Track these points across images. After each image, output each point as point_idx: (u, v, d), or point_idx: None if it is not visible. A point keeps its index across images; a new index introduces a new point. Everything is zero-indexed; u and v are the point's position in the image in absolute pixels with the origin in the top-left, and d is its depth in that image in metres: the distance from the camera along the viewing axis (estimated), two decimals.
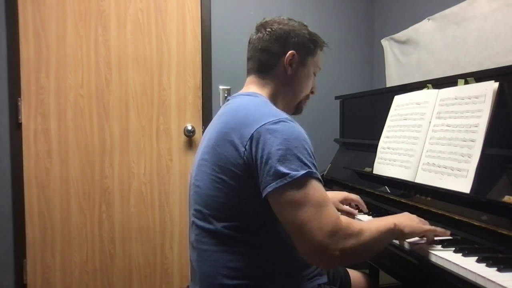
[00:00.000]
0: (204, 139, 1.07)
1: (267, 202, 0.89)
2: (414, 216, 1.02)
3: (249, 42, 1.15)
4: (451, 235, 1.07)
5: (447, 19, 1.91)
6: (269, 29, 1.09)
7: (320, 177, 0.90)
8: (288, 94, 1.11)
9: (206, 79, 2.36)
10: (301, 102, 1.17)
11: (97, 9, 2.20)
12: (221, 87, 2.40)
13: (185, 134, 2.33)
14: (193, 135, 2.34)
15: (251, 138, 0.89)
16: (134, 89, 2.27)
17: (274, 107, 0.99)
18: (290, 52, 1.07)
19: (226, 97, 2.41)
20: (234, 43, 2.42)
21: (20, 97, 2.11)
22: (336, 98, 2.15)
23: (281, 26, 1.09)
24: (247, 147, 0.90)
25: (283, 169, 0.85)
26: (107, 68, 2.23)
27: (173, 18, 2.30)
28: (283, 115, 0.94)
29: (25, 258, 2.13)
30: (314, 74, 1.17)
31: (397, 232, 0.95)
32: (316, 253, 0.84)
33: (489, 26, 1.66)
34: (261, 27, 1.11)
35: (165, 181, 2.32)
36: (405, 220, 0.99)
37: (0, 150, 2.08)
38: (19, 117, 2.11)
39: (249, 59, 1.14)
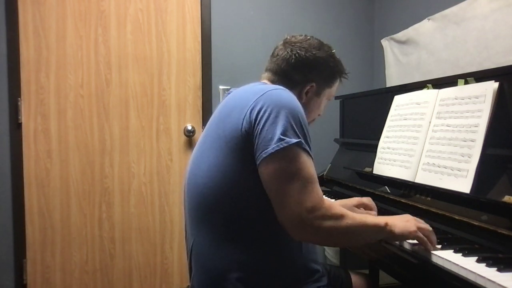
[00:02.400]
0: (202, 134, 1.07)
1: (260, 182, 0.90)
2: (412, 218, 1.00)
3: (272, 53, 1.14)
4: (450, 234, 1.07)
5: (447, 19, 1.91)
6: (296, 54, 1.08)
7: (310, 152, 0.92)
8: None
9: (206, 79, 2.36)
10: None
11: (97, 9, 2.20)
12: (221, 87, 2.40)
13: (185, 134, 2.33)
14: (193, 135, 2.34)
15: (252, 107, 0.92)
16: (134, 89, 2.27)
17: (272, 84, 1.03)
18: (310, 85, 1.10)
19: None
20: (234, 43, 2.42)
21: (20, 97, 2.11)
22: (336, 98, 2.15)
23: (308, 54, 1.09)
24: (246, 116, 0.92)
25: (279, 134, 0.88)
26: (107, 68, 2.23)
27: (173, 18, 2.30)
28: (280, 86, 0.98)
29: (25, 258, 2.14)
30: (328, 99, 1.20)
31: (387, 232, 0.95)
32: (293, 224, 0.88)
33: (489, 26, 1.66)
34: (289, 45, 1.11)
35: (165, 181, 2.32)
36: (400, 221, 0.97)
37: (0, 150, 2.08)
38: (19, 117, 2.11)
39: (267, 69, 1.14)
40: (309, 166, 0.90)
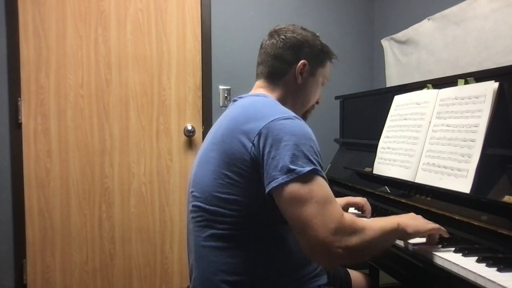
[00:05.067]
0: (208, 137, 1.07)
1: (270, 199, 0.89)
2: (418, 216, 1.02)
3: (261, 46, 1.15)
4: (450, 234, 1.07)
5: (447, 19, 1.91)
6: (283, 37, 1.10)
7: (325, 176, 0.91)
8: (296, 102, 1.13)
9: (206, 79, 2.36)
10: (307, 111, 1.19)
11: (97, 9, 2.20)
12: (221, 87, 2.40)
13: (185, 134, 2.33)
14: (193, 135, 2.34)
15: (259, 133, 0.90)
16: (134, 89, 2.27)
17: (282, 106, 1.00)
18: (302, 61, 1.09)
19: (226, 97, 2.41)
20: (234, 43, 2.42)
21: (20, 97, 2.11)
22: (336, 98, 2.15)
23: (295, 35, 1.10)
24: (255, 142, 0.90)
25: (290, 165, 0.85)
26: (107, 68, 2.23)
27: (173, 18, 2.30)
28: (292, 113, 0.96)
29: (25, 258, 2.13)
30: (322, 85, 1.19)
31: (401, 232, 0.94)
32: (319, 249, 0.83)
33: (489, 26, 1.66)
34: (275, 33, 1.12)
35: (165, 181, 2.32)
36: (409, 219, 0.98)
37: (0, 150, 2.08)
38: (19, 117, 2.11)
39: (259, 63, 1.14)
40: (325, 186, 0.88)
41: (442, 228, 1.01)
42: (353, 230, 0.85)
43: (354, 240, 0.84)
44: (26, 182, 2.13)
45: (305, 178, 0.86)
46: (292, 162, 0.86)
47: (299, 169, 0.85)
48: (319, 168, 0.89)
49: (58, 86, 2.16)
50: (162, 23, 2.29)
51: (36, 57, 2.13)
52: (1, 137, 2.08)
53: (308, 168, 0.86)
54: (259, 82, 1.13)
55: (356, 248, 0.84)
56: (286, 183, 0.85)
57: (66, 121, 2.18)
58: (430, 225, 0.99)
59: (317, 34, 1.16)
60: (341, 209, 0.88)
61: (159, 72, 2.30)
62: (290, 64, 1.09)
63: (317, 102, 1.20)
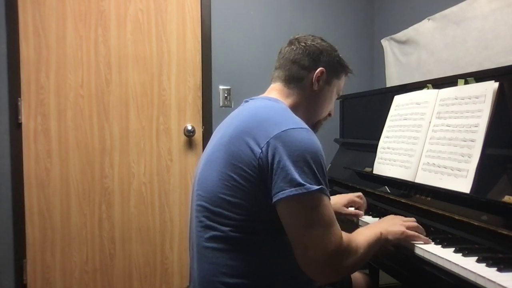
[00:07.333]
0: (216, 136, 1.07)
1: (274, 207, 0.89)
2: (397, 219, 1.07)
3: (279, 52, 1.17)
4: (450, 234, 1.07)
5: (447, 19, 1.91)
6: (303, 44, 1.12)
7: (329, 195, 0.92)
8: (309, 109, 1.13)
9: (206, 79, 2.36)
10: (319, 122, 1.19)
11: (97, 9, 2.20)
12: (221, 87, 2.40)
13: (185, 134, 2.33)
14: (193, 135, 2.34)
15: (270, 140, 0.90)
16: (134, 89, 2.27)
17: (293, 114, 1.00)
18: (320, 68, 1.10)
19: (226, 97, 2.41)
20: (234, 43, 2.42)
21: (20, 97, 2.11)
22: (336, 98, 2.15)
23: (314, 43, 1.12)
24: (263, 149, 0.90)
25: (299, 179, 0.86)
26: (107, 68, 2.23)
27: (173, 18, 2.30)
28: (303, 124, 0.96)
29: (25, 258, 2.13)
30: (337, 93, 1.20)
31: (383, 240, 1.00)
32: (317, 269, 0.88)
33: (489, 26, 1.66)
34: (295, 40, 1.14)
35: (165, 181, 2.32)
36: (389, 226, 1.03)
37: (0, 150, 2.08)
38: (19, 117, 2.11)
39: (277, 68, 1.16)
40: (330, 208, 0.89)
41: (422, 236, 1.03)
42: (349, 252, 0.89)
43: (349, 261, 0.89)
44: (26, 182, 2.13)
45: (313, 196, 0.87)
46: (301, 177, 0.86)
47: (308, 185, 0.86)
48: (326, 188, 0.90)
49: (58, 86, 2.16)
50: (162, 23, 2.29)
51: (36, 57, 2.13)
52: (1, 137, 2.08)
53: (317, 187, 0.87)
54: (275, 85, 1.14)
55: (350, 267, 0.90)
56: (294, 196, 0.86)
57: (66, 121, 2.18)
58: (407, 233, 1.02)
59: (336, 47, 1.17)
60: (340, 230, 0.90)
61: (159, 72, 2.30)
62: (308, 70, 1.10)
63: (329, 114, 1.21)
